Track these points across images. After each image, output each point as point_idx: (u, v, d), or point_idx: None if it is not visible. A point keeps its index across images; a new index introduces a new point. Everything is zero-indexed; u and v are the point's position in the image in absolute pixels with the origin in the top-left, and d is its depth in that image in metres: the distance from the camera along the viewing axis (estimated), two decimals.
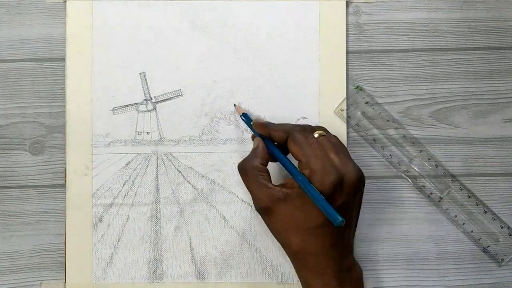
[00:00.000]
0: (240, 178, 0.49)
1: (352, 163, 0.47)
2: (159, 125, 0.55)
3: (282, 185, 0.47)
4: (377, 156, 0.55)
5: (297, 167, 0.47)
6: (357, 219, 0.50)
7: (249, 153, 0.50)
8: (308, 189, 0.45)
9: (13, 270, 0.55)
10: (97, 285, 0.54)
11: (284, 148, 0.49)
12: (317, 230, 0.46)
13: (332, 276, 0.46)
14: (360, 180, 0.47)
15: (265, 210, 0.47)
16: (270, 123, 0.52)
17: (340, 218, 0.43)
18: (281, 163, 0.49)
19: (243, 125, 0.55)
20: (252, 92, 0.55)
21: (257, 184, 0.47)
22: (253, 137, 0.53)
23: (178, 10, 0.56)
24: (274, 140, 0.50)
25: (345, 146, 0.49)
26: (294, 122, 0.55)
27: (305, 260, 0.47)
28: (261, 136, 0.51)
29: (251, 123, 0.52)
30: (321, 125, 0.52)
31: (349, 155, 0.48)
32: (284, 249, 0.48)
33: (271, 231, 0.48)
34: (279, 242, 0.49)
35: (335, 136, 0.49)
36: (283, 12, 0.55)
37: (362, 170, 0.47)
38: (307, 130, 0.49)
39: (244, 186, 0.48)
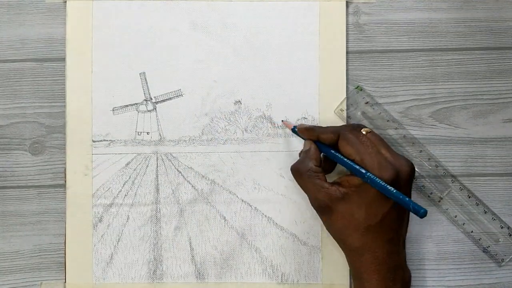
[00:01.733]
0: (294, 179, 0.50)
1: (402, 157, 0.48)
2: (159, 125, 0.55)
3: (338, 184, 0.48)
4: None
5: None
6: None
7: (300, 156, 0.51)
8: (382, 185, 0.45)
9: (13, 270, 0.55)
10: (97, 285, 0.54)
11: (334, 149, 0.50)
12: (377, 227, 0.47)
13: (387, 271, 0.47)
14: (413, 173, 0.48)
15: (323, 209, 0.48)
16: (316, 126, 0.52)
17: (423, 209, 0.44)
18: (341, 163, 0.49)
19: (243, 124, 0.55)
20: (252, 91, 0.55)
21: (313, 184, 0.48)
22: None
23: (178, 10, 0.56)
24: (324, 142, 0.50)
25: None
26: (294, 122, 0.55)
27: (362, 256, 0.48)
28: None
29: (296, 128, 0.53)
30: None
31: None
32: (340, 245, 0.49)
33: (327, 229, 0.50)
34: (335, 239, 0.49)
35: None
36: (283, 12, 0.55)
37: None
38: (355, 128, 0.49)
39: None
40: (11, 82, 0.56)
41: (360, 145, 0.47)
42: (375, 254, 0.47)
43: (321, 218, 0.50)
